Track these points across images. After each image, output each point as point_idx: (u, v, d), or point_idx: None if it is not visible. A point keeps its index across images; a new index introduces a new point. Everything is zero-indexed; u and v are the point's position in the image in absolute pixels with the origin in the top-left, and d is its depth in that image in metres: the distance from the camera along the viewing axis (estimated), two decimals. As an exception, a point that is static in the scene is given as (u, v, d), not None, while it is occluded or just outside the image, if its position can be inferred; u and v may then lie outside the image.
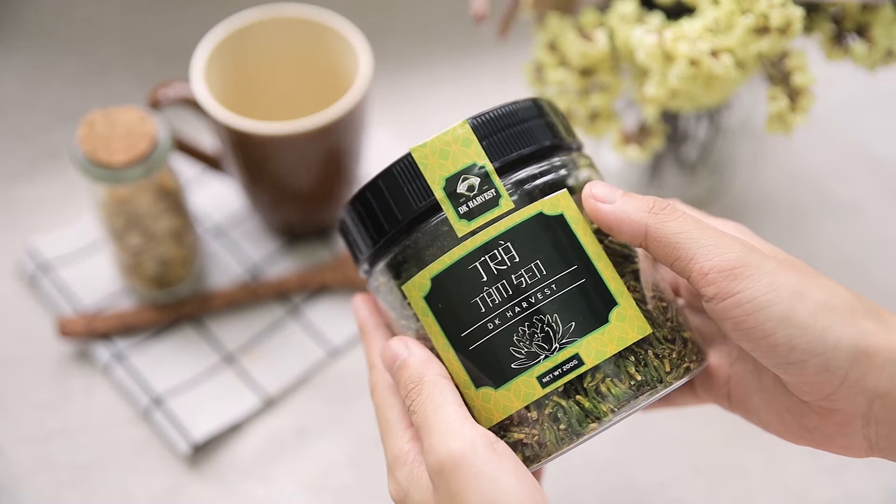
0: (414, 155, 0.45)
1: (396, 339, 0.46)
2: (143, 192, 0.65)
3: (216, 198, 0.78)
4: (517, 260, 0.44)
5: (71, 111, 0.82)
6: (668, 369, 0.44)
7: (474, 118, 0.45)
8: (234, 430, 0.67)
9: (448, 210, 0.44)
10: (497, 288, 0.44)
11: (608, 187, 0.45)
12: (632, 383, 0.44)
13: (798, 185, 0.79)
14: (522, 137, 0.46)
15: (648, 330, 0.44)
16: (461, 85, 0.85)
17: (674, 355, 0.45)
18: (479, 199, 0.44)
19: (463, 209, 0.44)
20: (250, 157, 0.68)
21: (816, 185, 0.79)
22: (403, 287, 0.45)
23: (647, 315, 0.45)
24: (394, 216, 0.45)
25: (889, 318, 0.43)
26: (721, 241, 0.43)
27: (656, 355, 0.44)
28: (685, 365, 0.45)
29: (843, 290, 0.43)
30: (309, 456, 0.66)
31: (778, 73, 0.59)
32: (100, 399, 0.69)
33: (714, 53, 0.56)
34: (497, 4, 0.72)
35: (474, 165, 0.45)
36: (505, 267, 0.44)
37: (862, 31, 0.58)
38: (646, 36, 0.57)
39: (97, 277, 0.73)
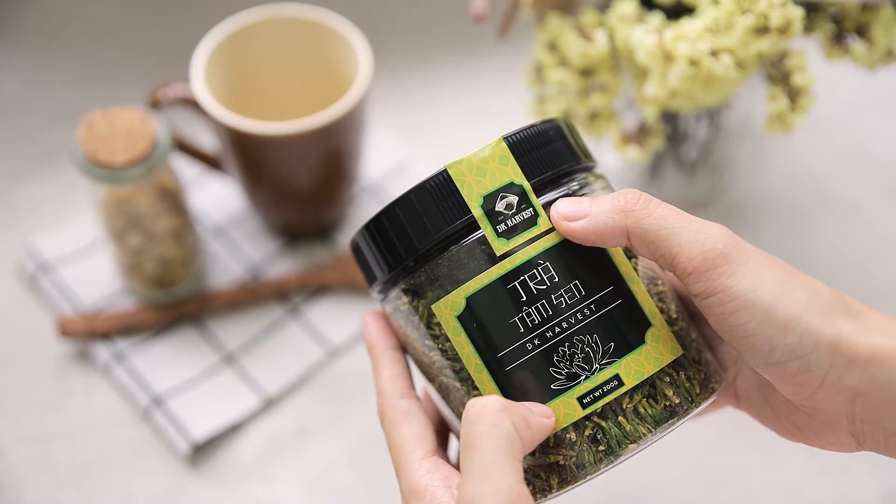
0: (450, 171, 0.44)
1: None
2: (143, 192, 0.65)
3: (216, 198, 0.78)
4: (556, 280, 0.43)
5: (71, 111, 0.82)
6: (698, 391, 0.45)
7: (508, 136, 0.45)
8: (234, 430, 0.67)
9: (486, 228, 0.44)
10: (536, 308, 0.43)
11: (573, 202, 0.44)
12: (667, 405, 0.44)
13: (798, 185, 0.79)
14: (554, 157, 0.45)
15: (680, 351, 0.44)
16: (461, 85, 0.85)
17: (702, 376, 0.45)
18: (518, 218, 0.44)
19: (501, 227, 0.44)
20: (250, 157, 0.68)
21: (816, 185, 0.79)
22: (433, 306, 0.44)
23: (678, 336, 0.45)
24: (426, 233, 0.44)
25: (868, 316, 0.43)
26: (704, 232, 0.42)
27: (688, 377, 0.44)
28: (711, 385, 0.45)
29: (823, 288, 0.43)
30: (309, 456, 0.66)
31: (778, 73, 0.59)
32: (100, 399, 0.69)
33: (714, 53, 0.56)
34: (497, 4, 0.72)
35: (511, 184, 0.44)
36: (544, 287, 0.43)
37: (862, 31, 0.58)
38: (646, 36, 0.57)
39: (97, 277, 0.73)
